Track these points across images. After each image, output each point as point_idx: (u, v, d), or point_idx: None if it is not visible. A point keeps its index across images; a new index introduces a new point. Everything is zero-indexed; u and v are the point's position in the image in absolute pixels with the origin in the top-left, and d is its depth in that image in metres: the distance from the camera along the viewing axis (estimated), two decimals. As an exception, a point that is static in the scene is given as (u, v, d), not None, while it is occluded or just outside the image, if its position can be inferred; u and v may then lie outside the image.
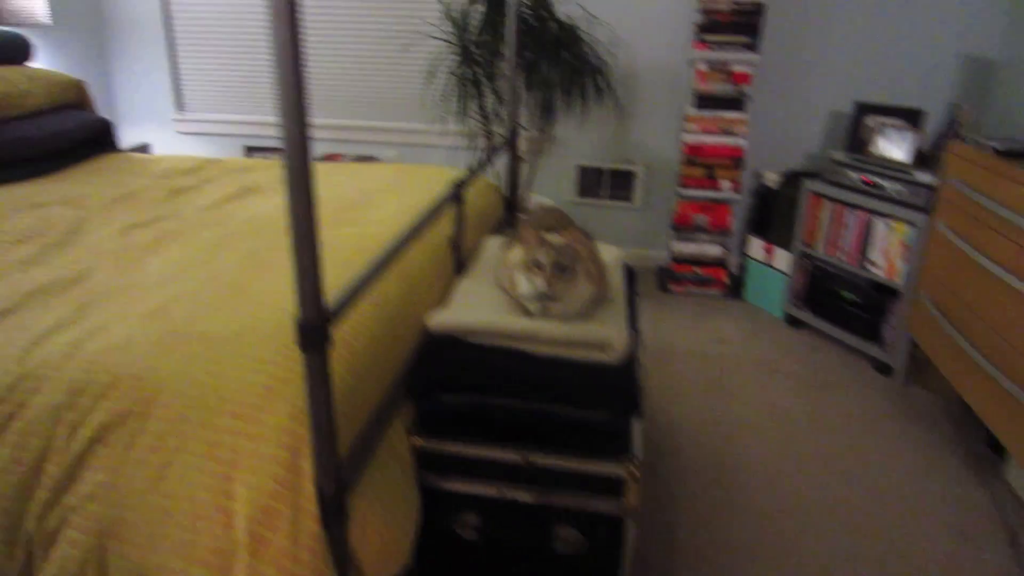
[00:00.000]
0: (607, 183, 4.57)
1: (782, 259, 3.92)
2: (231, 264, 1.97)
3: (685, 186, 4.11)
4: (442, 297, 2.21)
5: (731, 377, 3.39)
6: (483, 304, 2.08)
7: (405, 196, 2.71)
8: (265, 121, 4.71)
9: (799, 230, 3.76)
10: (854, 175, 3.46)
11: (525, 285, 1.96)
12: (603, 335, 1.90)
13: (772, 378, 3.39)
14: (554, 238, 2.00)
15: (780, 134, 4.29)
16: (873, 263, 3.42)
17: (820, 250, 3.67)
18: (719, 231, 4.17)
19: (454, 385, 1.84)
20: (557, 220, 2.19)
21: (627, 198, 4.57)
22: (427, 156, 4.66)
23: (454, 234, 2.39)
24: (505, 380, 1.82)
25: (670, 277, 4.30)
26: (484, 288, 2.20)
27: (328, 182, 2.99)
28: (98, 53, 4.67)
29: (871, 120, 3.46)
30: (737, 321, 3.97)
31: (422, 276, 2.11)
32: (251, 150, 4.75)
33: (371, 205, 2.60)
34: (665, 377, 3.33)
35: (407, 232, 1.87)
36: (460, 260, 2.42)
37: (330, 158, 4.57)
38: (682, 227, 4.19)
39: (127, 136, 4.82)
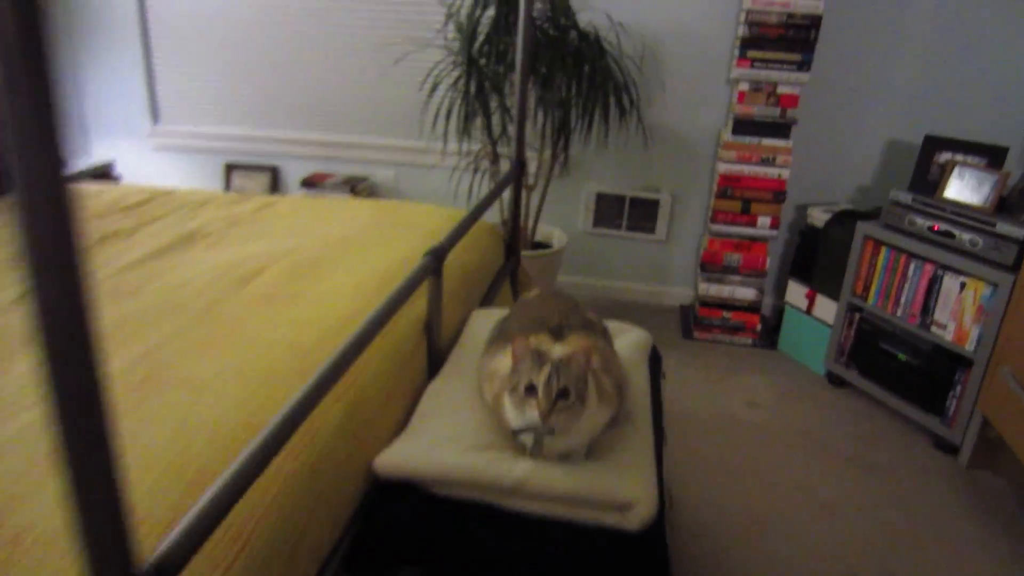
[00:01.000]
0: (627, 212, 4.01)
1: (826, 309, 3.35)
2: (115, 378, 1.44)
3: (717, 220, 3.54)
4: (405, 414, 1.68)
5: (765, 453, 2.83)
6: (458, 430, 1.54)
7: (376, 254, 2.17)
8: (249, 135, 4.18)
9: (849, 278, 3.18)
10: (921, 221, 2.88)
11: (514, 415, 1.42)
12: (622, 492, 1.36)
13: (813, 455, 2.83)
14: (554, 348, 1.46)
15: (829, 166, 3.69)
16: (939, 324, 2.84)
17: (873, 303, 3.09)
18: (753, 273, 3.60)
19: (410, 558, 1.31)
20: (561, 313, 1.64)
21: (650, 229, 4.01)
22: (426, 178, 4.12)
23: (429, 316, 1.85)
24: (482, 553, 1.31)
25: (695, 322, 3.74)
26: (462, 400, 1.66)
27: (282, 228, 2.46)
28: (68, 58, 4.17)
29: (942, 157, 2.87)
30: (771, 377, 3.40)
31: (377, 388, 1.58)
32: (232, 168, 4.23)
33: (327, 268, 2.06)
34: (685, 450, 2.78)
35: (359, 335, 1.35)
36: (435, 350, 1.88)
37: (317, 178, 4.04)
38: (711, 266, 3.63)
39: (97, 151, 4.32)
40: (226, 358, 1.55)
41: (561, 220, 4.05)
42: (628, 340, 1.96)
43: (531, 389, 1.37)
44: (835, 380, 3.35)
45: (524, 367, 1.39)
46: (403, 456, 1.46)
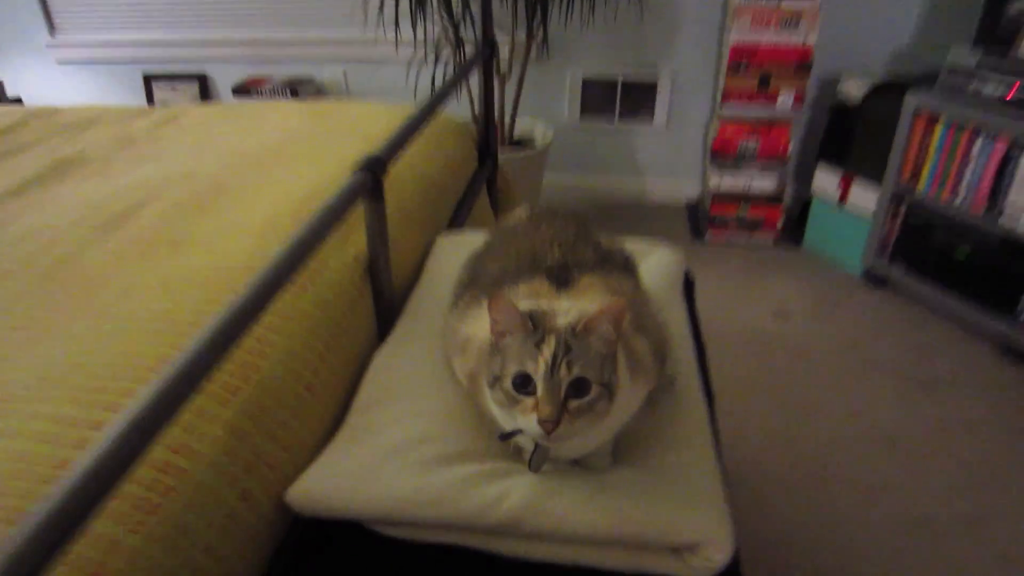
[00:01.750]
0: (620, 99, 3.40)
1: (864, 198, 2.81)
2: None
3: (729, 101, 2.95)
4: (341, 406, 1.15)
5: (802, 373, 2.35)
6: (415, 431, 1.03)
7: (301, 172, 1.59)
8: (168, 40, 3.50)
9: (895, 162, 2.63)
10: (991, 87, 2.30)
11: (501, 416, 0.91)
12: (680, 527, 0.88)
13: (860, 373, 2.36)
14: (558, 304, 0.92)
15: (863, 27, 3.06)
16: (1012, 212, 2.30)
17: (925, 190, 2.55)
18: (774, 160, 3.03)
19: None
20: (564, 243, 1.10)
21: (647, 118, 3.42)
22: (379, 74, 3.47)
23: (371, 255, 1.30)
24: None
25: (707, 220, 3.19)
26: (422, 377, 1.14)
27: (187, 146, 1.87)
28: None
29: (1018, 3, 2.27)
30: (799, 280, 2.90)
31: (290, 374, 1.05)
32: (151, 79, 3.57)
33: (231, 197, 1.49)
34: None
35: (253, 295, 0.81)
36: (385, 300, 1.33)
37: (252, 83, 3.40)
38: (723, 155, 3.06)
39: (-9, 70, 3.63)
40: (63, 347, 1.01)
41: (543, 112, 3.44)
42: (654, 267, 1.41)
43: (524, 382, 0.84)
44: (875, 280, 2.84)
45: (511, 345, 0.86)
46: (325, 486, 0.94)
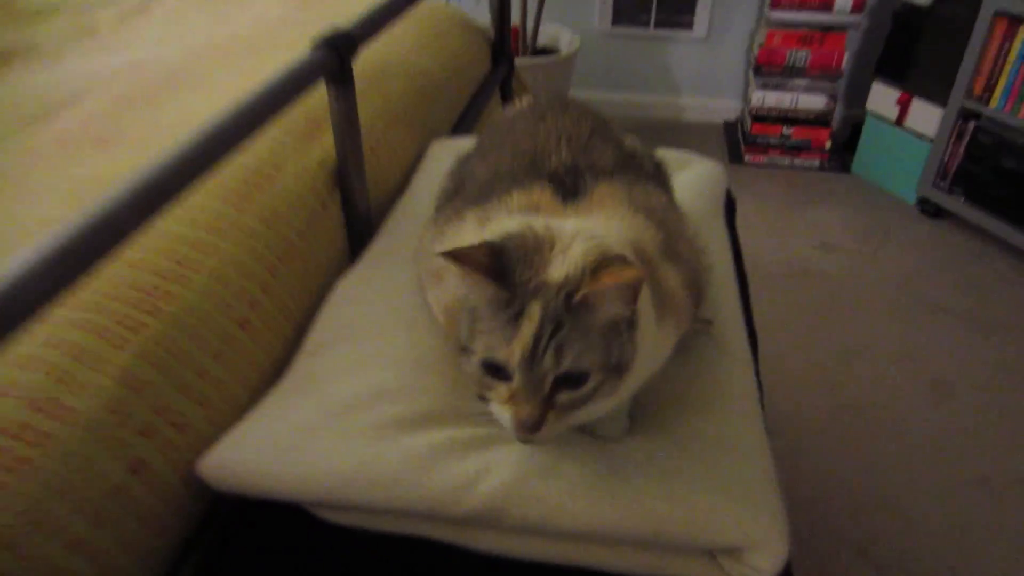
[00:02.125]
0: (656, 5, 3.04)
1: (925, 118, 2.48)
2: None
3: (779, 6, 2.60)
4: (294, 338, 0.91)
5: (849, 311, 2.09)
6: (376, 382, 0.79)
7: (267, 61, 1.31)
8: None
9: (965, 74, 2.28)
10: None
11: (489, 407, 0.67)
12: (720, 524, 0.65)
13: (913, 312, 2.09)
14: (561, 222, 0.67)
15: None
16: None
17: (999, 106, 2.23)
18: (826, 74, 2.69)
19: None
20: (573, 140, 0.83)
21: (686, 25, 3.06)
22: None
23: (339, 157, 1.04)
24: None
25: (747, 142, 2.88)
26: (393, 310, 0.89)
27: (151, 38, 1.61)
28: None
29: None
30: (847, 209, 2.60)
31: (218, 296, 0.81)
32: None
33: (185, 89, 1.23)
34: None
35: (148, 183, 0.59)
36: (358, 216, 1.08)
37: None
38: (769, 68, 2.73)
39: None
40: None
41: (571, 18, 3.09)
42: (690, 182, 1.14)
43: (496, 369, 0.61)
44: (930, 210, 2.53)
45: (480, 312, 0.62)
46: (248, 455, 0.71)
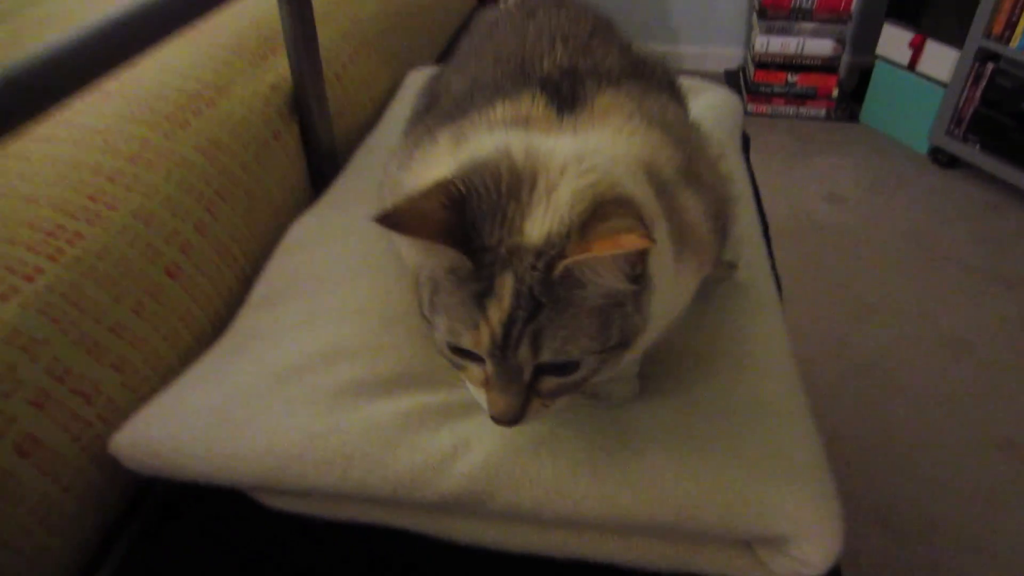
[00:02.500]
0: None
1: (940, 61, 2.32)
2: None
3: (783, -59, 2.43)
4: (239, 289, 0.77)
5: (860, 266, 1.95)
6: (334, 337, 0.64)
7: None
8: None
9: (984, 12, 2.12)
10: None
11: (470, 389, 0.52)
12: (760, 509, 0.51)
13: (927, 266, 1.95)
14: (553, 140, 0.51)
15: None
16: None
17: (1020, 46, 2.07)
18: (833, 16, 2.53)
19: None
20: (571, 39, 0.67)
21: (682, -33, 2.88)
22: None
23: (297, 85, 0.89)
24: None
25: (749, 90, 2.72)
26: (355, 252, 0.75)
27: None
28: None
29: None
30: (855, 159, 2.45)
31: (140, 237, 0.66)
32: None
33: None
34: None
35: None
36: (319, 150, 0.93)
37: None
38: (774, 10, 2.56)
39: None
40: None
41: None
42: (705, 109, 0.98)
43: (464, 351, 0.48)
44: (943, 159, 2.38)
45: (440, 284, 0.48)
46: (171, 430, 0.57)
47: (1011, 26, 2.08)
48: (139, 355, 0.63)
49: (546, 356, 0.45)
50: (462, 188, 0.46)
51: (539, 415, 0.48)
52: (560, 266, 0.44)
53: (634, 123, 0.59)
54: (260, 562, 0.57)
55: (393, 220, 0.44)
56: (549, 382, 0.47)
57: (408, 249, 0.48)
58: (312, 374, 0.60)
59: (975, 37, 2.16)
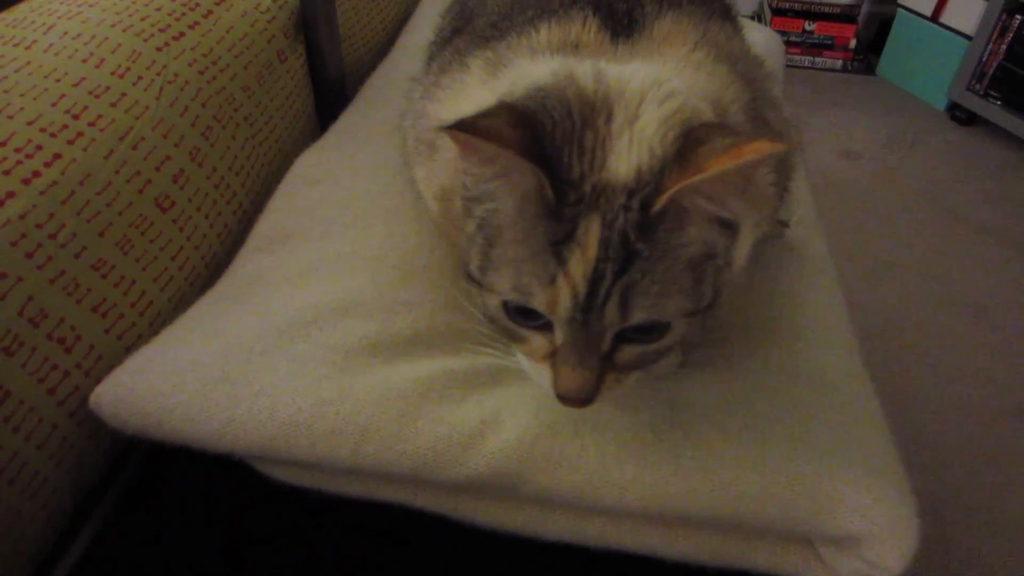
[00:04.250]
0: None
1: (964, 12, 2.21)
2: None
3: None
4: (238, 228, 0.68)
5: (875, 226, 1.87)
6: (343, 285, 0.56)
7: None
8: None
9: (1018, -40, 2.00)
10: None
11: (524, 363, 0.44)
12: (836, 510, 0.44)
13: (944, 228, 1.88)
14: (609, 64, 0.43)
15: None
16: None
17: (1054, -2, 1.95)
18: (856, -39, 2.40)
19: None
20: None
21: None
22: None
23: (304, 3, 0.79)
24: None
25: (764, 37, 2.58)
26: (367, 191, 0.66)
27: None
28: None
29: None
30: (872, 114, 2.35)
31: (128, 163, 0.57)
32: None
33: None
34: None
35: None
36: (328, 78, 0.83)
37: None
38: (794, -46, 2.42)
39: None
40: None
41: None
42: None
43: (526, 313, 0.39)
44: (961, 116, 2.28)
45: (502, 229, 0.40)
46: (158, 385, 0.49)
47: (1045, -23, 1.96)
48: (125, 297, 0.55)
49: (637, 317, 0.37)
50: (526, 108, 0.38)
51: (610, 395, 0.41)
52: (662, 199, 0.36)
53: (699, 55, 0.50)
54: (254, 537, 0.50)
55: (469, 125, 0.36)
56: (629, 352, 0.39)
57: (467, 176, 0.40)
58: (320, 330, 0.52)
59: (1003, -13, 2.05)
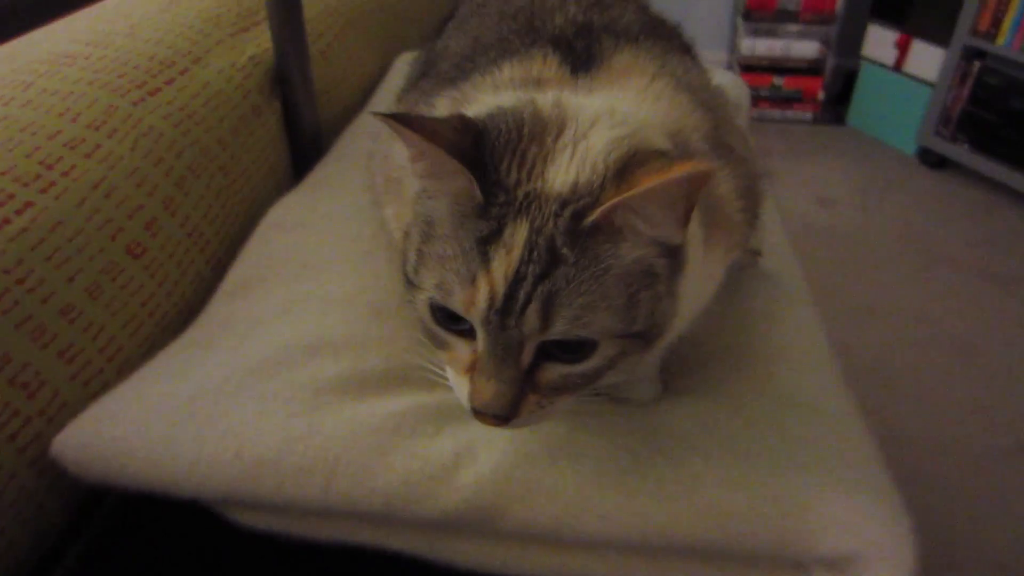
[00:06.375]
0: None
1: (926, 61, 2.26)
2: None
3: (771, -58, 2.37)
4: (211, 275, 0.67)
5: (855, 270, 1.87)
6: (315, 324, 0.54)
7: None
8: None
9: (968, 10, 2.06)
10: None
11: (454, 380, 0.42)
12: (827, 528, 0.42)
13: (923, 268, 1.87)
14: (569, 96, 0.43)
15: None
16: None
17: (1007, 42, 2.01)
18: (819, 18, 2.46)
19: None
20: (582, 2, 0.58)
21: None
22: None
23: (279, 60, 0.79)
24: None
25: (736, 94, 2.64)
26: (339, 237, 0.65)
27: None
28: None
29: None
30: (844, 161, 2.38)
31: (100, 211, 0.56)
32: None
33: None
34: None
35: None
36: (302, 126, 0.83)
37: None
38: (759, 13, 2.49)
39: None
40: None
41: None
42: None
43: (450, 317, 0.39)
44: (932, 160, 2.31)
45: (434, 226, 0.40)
46: (121, 431, 0.47)
47: (996, 23, 2.02)
48: (93, 343, 0.53)
49: (559, 327, 0.36)
50: (477, 123, 0.38)
51: (532, 418, 0.39)
52: (595, 213, 0.36)
53: (659, 85, 0.50)
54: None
55: (404, 119, 0.36)
56: (551, 372, 0.38)
57: (410, 173, 0.40)
58: (291, 369, 0.50)
59: (961, 35, 2.10)
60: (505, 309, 0.36)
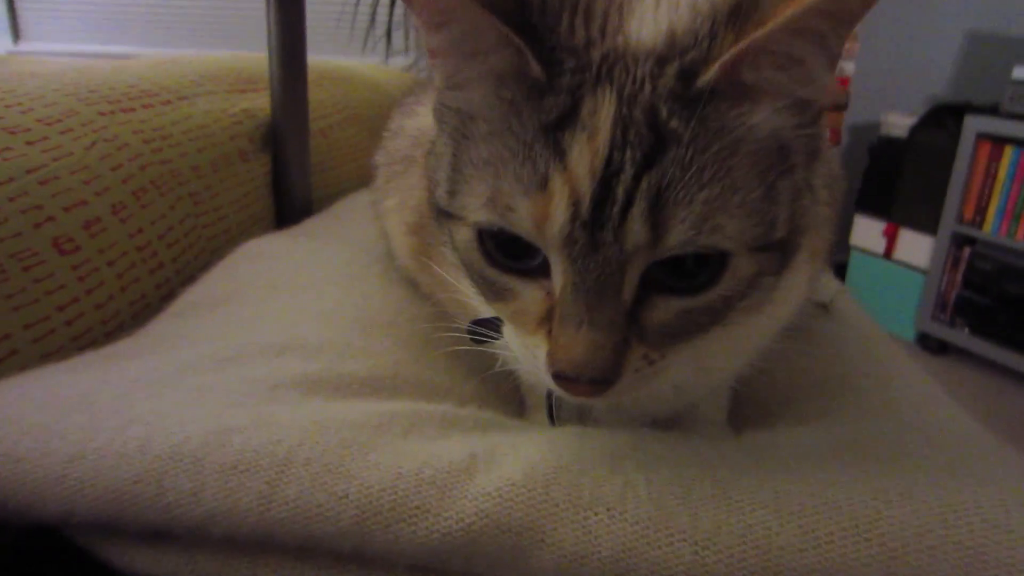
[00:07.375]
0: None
1: (915, 248, 2.27)
2: None
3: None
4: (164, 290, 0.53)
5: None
6: (280, 329, 0.40)
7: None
8: (133, 54, 3.03)
9: (954, 199, 2.10)
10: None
11: (517, 345, 0.27)
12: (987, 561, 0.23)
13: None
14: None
15: (898, 68, 2.62)
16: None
17: (993, 230, 2.03)
18: (807, 208, 2.51)
19: None
20: None
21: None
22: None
23: (277, 117, 0.72)
24: None
25: (728, 279, 2.63)
26: (321, 265, 0.53)
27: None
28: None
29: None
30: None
31: (72, 196, 0.44)
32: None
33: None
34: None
35: None
36: (290, 186, 0.74)
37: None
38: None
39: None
40: None
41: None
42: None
43: (508, 250, 0.26)
44: (933, 346, 2.25)
45: (473, 132, 0.28)
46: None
47: (981, 211, 2.05)
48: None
49: (677, 235, 0.24)
50: None
51: (638, 380, 0.25)
52: (713, 67, 0.24)
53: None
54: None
55: None
56: (664, 308, 0.26)
57: (435, 54, 0.28)
58: (241, 366, 0.36)
59: (948, 223, 2.12)
60: (595, 219, 0.24)
